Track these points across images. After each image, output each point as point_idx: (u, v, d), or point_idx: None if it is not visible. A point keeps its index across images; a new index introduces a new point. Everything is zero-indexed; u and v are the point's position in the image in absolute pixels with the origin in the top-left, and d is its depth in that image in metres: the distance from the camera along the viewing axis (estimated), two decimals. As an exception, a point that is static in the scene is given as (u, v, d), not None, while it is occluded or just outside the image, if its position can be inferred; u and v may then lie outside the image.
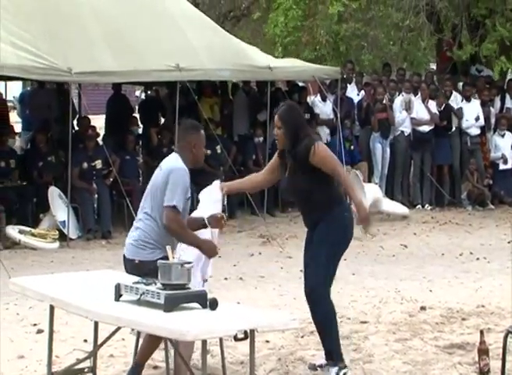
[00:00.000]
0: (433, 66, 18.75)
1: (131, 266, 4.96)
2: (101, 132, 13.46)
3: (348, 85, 14.10)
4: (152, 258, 4.82)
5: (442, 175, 13.74)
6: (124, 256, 5.07)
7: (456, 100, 13.84)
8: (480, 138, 13.96)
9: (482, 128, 13.90)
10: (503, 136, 13.92)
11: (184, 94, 12.19)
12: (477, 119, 13.68)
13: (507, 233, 11.44)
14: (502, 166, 13.90)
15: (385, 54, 17.18)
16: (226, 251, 10.02)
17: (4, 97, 14.72)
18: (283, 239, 10.74)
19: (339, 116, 13.02)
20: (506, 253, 9.98)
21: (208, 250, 5.09)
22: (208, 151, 12.47)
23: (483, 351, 5.43)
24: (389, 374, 5.40)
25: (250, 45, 13.66)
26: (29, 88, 16.76)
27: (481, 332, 5.57)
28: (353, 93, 14.14)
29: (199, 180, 12.93)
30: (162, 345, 5.37)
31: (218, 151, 12.31)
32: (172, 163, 5.06)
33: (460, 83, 14.47)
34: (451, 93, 13.87)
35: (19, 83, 20.30)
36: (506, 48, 14.54)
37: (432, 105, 13.63)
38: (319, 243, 5.36)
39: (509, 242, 10.81)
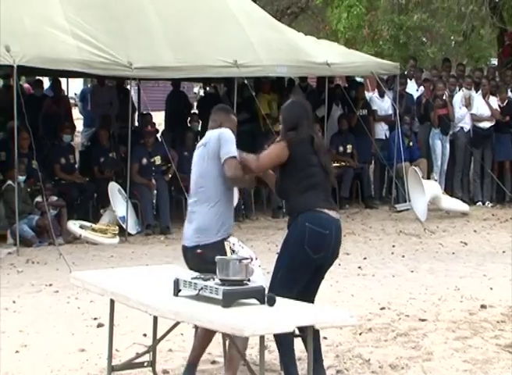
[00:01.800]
0: (494, 62, 18.48)
1: (192, 256, 4.98)
2: (160, 128, 13.58)
3: (408, 81, 13.98)
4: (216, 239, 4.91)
5: (503, 171, 13.54)
6: (185, 247, 5.06)
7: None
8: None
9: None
10: None
11: (242, 91, 12.22)
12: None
13: None
14: None
15: (447, 46, 17.00)
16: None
17: (66, 94, 14.94)
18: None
19: (398, 112, 12.92)
20: None
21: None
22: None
23: (545, 351, 5.35)
24: (448, 372, 5.34)
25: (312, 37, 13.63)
26: (89, 86, 16.98)
27: (543, 331, 5.49)
28: (413, 89, 14.02)
29: (257, 176, 12.99)
30: (220, 340, 5.41)
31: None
32: (215, 131, 5.12)
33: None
34: (516, 88, 13.66)
35: (80, 81, 20.57)
36: None
37: (493, 100, 13.43)
38: (279, 255, 5.02)
39: None
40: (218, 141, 5.04)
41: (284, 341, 4.83)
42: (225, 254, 4.90)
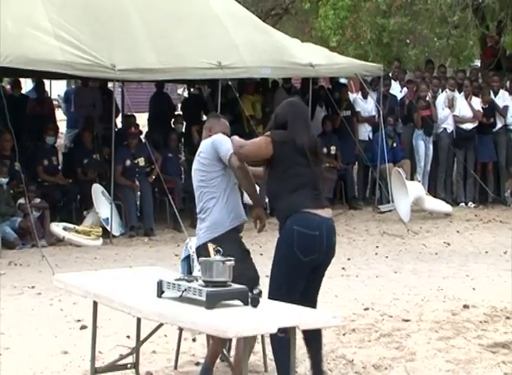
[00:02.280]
0: (477, 63, 18.57)
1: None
2: (144, 130, 13.56)
3: (393, 82, 14.03)
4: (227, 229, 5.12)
5: (486, 172, 13.61)
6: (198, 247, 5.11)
7: (503, 97, 13.69)
8: (526, 135, 13.82)
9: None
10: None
11: (226, 92, 12.22)
12: (522, 115, 13.54)
13: (552, 232, 11.32)
14: None
15: (430, 49, 17.07)
16: (268, 249, 10.02)
17: (49, 95, 14.89)
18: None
19: (381, 113, 12.96)
20: (552, 251, 9.86)
21: (256, 201, 5.24)
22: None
23: (527, 351, 5.39)
24: (431, 373, 5.37)
25: (297, 39, 13.65)
26: (73, 87, 16.94)
27: (526, 331, 5.52)
28: (397, 90, 14.07)
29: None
30: (204, 342, 5.41)
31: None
32: (208, 140, 5.24)
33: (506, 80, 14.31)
34: (499, 89, 13.72)
35: (64, 82, 20.52)
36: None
37: (476, 102, 13.49)
38: (273, 261, 4.99)
39: (554, 240, 10.69)
40: (213, 148, 5.15)
41: (279, 346, 4.72)
42: (235, 244, 5.08)
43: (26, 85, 15.96)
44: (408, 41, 18.22)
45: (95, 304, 4.62)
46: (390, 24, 15.33)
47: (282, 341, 4.26)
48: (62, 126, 14.86)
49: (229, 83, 12.01)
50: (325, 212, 4.90)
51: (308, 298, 4.78)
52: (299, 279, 4.83)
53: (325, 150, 13.24)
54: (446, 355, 5.75)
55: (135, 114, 12.35)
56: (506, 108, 13.54)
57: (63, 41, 10.27)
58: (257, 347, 5.54)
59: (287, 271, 4.84)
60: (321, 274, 5.01)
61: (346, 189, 13.28)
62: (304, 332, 4.62)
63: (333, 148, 13.25)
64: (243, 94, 13.12)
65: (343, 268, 8.67)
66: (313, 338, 4.90)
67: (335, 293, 7.56)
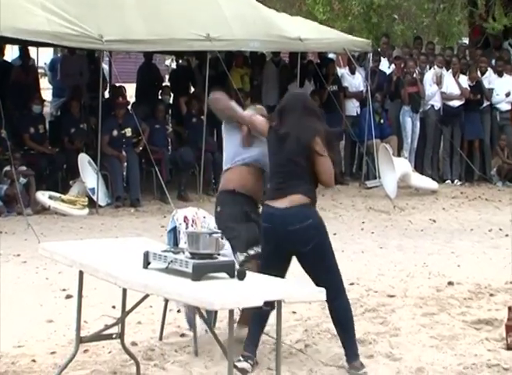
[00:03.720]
0: (465, 40, 18.54)
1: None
2: (131, 100, 13.49)
3: (382, 58, 14.00)
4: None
5: (472, 150, 13.64)
6: None
7: (489, 77, 13.69)
8: (511, 114, 13.84)
9: (514, 103, 13.77)
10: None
11: (214, 64, 12.16)
12: (508, 94, 13.56)
13: (537, 210, 11.37)
14: None
15: (417, 25, 17.01)
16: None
17: (36, 63, 14.76)
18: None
19: (369, 89, 12.94)
20: (536, 230, 9.91)
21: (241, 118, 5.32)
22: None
23: (511, 328, 5.41)
24: (415, 348, 5.39)
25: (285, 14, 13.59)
26: (59, 55, 16.79)
27: (510, 308, 5.54)
28: (385, 66, 14.04)
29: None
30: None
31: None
32: None
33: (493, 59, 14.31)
34: (486, 69, 13.71)
35: (50, 50, 20.33)
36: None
37: (463, 79, 13.49)
38: None
39: (538, 219, 10.74)
40: None
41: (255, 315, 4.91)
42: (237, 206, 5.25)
43: (13, 53, 15.80)
44: (396, 16, 18.14)
45: (81, 273, 4.60)
46: (377, 0, 15.27)
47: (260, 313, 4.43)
48: (47, 94, 14.76)
49: (218, 55, 11.94)
50: (280, 203, 4.86)
51: (313, 281, 4.83)
52: (273, 262, 4.92)
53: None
54: (430, 330, 5.78)
55: (123, 84, 12.26)
56: (491, 90, 13.56)
57: (50, 12, 10.20)
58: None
59: (265, 257, 5.00)
60: (303, 261, 4.94)
61: (332, 163, 13.23)
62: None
63: (320, 123, 13.19)
64: (231, 66, 13.06)
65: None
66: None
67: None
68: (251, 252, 5.14)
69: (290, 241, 4.85)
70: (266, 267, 4.84)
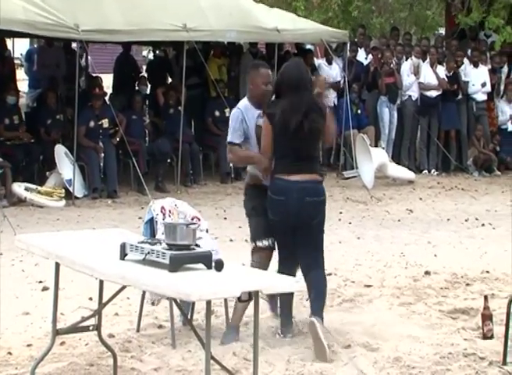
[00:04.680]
0: (442, 31, 18.60)
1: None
2: (108, 91, 13.42)
3: (359, 49, 14.01)
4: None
5: (448, 140, 13.70)
6: None
7: (465, 70, 13.73)
8: (487, 104, 13.92)
9: (490, 94, 13.84)
10: (510, 101, 13.85)
11: (191, 55, 12.13)
12: (483, 85, 13.63)
13: (513, 200, 11.45)
14: (510, 128, 13.84)
15: (395, 18, 17.06)
16: (232, 213, 10.04)
17: (12, 54, 14.65)
18: (289, 202, 10.72)
19: (346, 79, 12.95)
20: (512, 219, 9.98)
21: (259, 162, 5.34)
22: (217, 113, 12.44)
23: (487, 317, 5.45)
24: (392, 338, 5.41)
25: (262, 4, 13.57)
26: (35, 46, 16.68)
27: (485, 297, 5.58)
28: (361, 57, 14.05)
29: (206, 141, 13.03)
30: (167, 305, 5.41)
31: (227, 114, 12.25)
32: (234, 108, 5.56)
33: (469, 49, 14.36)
34: (462, 63, 13.75)
35: (27, 41, 20.19)
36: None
37: (441, 70, 13.54)
38: None
39: (514, 208, 10.81)
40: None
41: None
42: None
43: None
44: (373, 8, 18.16)
45: (57, 265, 4.58)
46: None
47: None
48: (24, 85, 14.66)
49: (195, 46, 11.90)
50: (299, 177, 5.19)
51: (300, 256, 5.29)
52: (281, 237, 5.32)
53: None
54: (406, 320, 5.81)
55: (99, 75, 12.19)
56: (466, 83, 13.61)
57: (26, 0, 10.10)
58: (221, 310, 5.56)
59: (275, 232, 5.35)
60: (303, 234, 5.24)
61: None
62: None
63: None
64: (209, 57, 13.02)
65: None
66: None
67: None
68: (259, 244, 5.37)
69: (303, 213, 5.17)
70: (277, 238, 5.32)
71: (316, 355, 5.00)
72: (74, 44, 13.48)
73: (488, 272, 7.15)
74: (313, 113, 5.19)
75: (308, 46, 14.89)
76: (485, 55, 14.02)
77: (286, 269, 5.19)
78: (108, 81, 14.28)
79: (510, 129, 13.84)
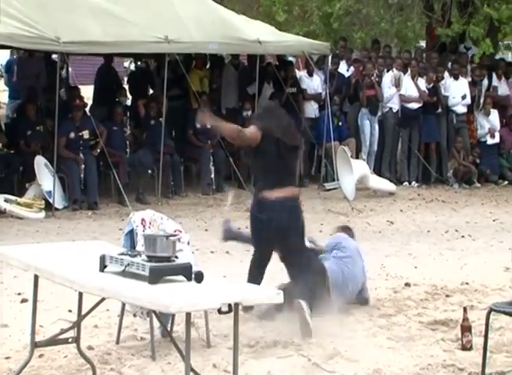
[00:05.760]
0: (423, 44, 18.70)
1: None
2: (89, 102, 13.39)
3: (340, 61, 14.07)
4: None
5: (429, 152, 13.77)
6: None
7: (445, 84, 13.81)
8: (467, 116, 14.01)
9: (470, 106, 13.93)
10: (488, 114, 13.94)
11: (173, 66, 12.13)
12: (463, 97, 13.72)
13: (492, 212, 11.51)
14: (489, 141, 13.95)
15: (376, 31, 17.12)
16: (213, 225, 10.02)
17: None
18: (270, 213, 10.72)
19: (327, 91, 13.00)
20: (491, 231, 10.03)
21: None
22: (198, 125, 12.43)
23: (466, 328, 5.47)
24: (372, 349, 5.42)
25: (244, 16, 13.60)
26: (15, 56, 16.62)
27: (465, 309, 5.61)
28: (343, 69, 14.11)
29: (187, 153, 13.02)
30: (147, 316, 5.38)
31: (209, 126, 12.23)
32: None
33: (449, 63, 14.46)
34: (442, 78, 13.83)
35: (7, 52, 20.10)
36: (495, 28, 14.52)
37: (421, 82, 13.62)
38: None
39: (494, 220, 10.87)
40: None
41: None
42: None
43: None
44: (355, 20, 18.24)
45: (36, 277, 4.56)
46: (336, 8, 15.37)
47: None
48: (3, 96, 14.60)
49: (177, 58, 11.92)
50: (275, 194, 5.77)
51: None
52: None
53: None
54: (386, 332, 5.82)
55: (80, 86, 12.17)
56: (446, 97, 13.70)
57: (6, 15, 10.13)
58: (201, 322, 5.55)
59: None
60: (279, 250, 5.97)
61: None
62: None
63: (280, 126, 13.22)
64: (191, 68, 13.03)
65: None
66: None
67: (278, 269, 7.57)
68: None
69: (270, 231, 5.92)
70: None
71: (302, 333, 5.48)
72: (55, 55, 13.48)
73: (467, 283, 7.18)
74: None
75: (290, 58, 14.95)
76: (466, 68, 14.11)
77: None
78: (89, 92, 14.26)
79: (488, 142, 13.93)
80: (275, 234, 5.74)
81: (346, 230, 6.75)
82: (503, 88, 14.54)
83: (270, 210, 5.68)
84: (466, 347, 5.43)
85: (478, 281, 7.26)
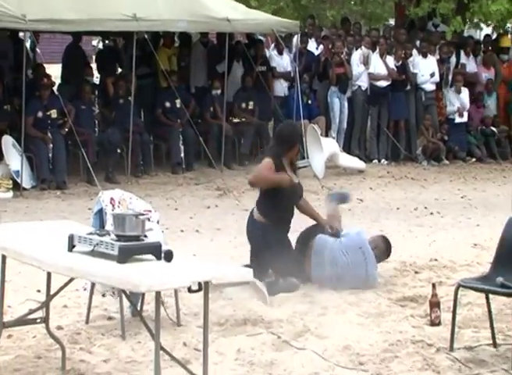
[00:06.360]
0: (392, 22, 18.73)
1: None
2: (57, 81, 13.27)
3: (309, 39, 14.05)
4: None
5: (398, 130, 13.82)
6: None
7: (413, 61, 13.84)
8: (436, 94, 14.07)
9: (438, 84, 13.99)
10: (459, 91, 14.00)
11: (141, 45, 12.03)
12: (432, 75, 13.76)
13: (461, 189, 11.61)
14: (458, 119, 14.02)
15: (346, 10, 17.15)
16: (183, 203, 10.02)
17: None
18: (240, 192, 10.74)
19: (297, 69, 12.98)
20: (459, 208, 10.12)
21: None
22: (167, 104, 12.38)
23: (434, 304, 5.52)
24: (342, 326, 5.45)
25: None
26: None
27: (433, 285, 5.65)
28: (313, 47, 14.09)
29: (157, 132, 12.96)
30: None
31: (178, 105, 12.22)
32: None
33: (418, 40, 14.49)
34: (411, 54, 13.85)
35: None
36: (464, 5, 14.57)
37: (390, 60, 13.64)
38: None
39: (462, 197, 10.96)
40: None
41: None
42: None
43: None
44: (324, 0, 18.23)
45: (3, 257, 4.52)
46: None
47: None
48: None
49: (146, 36, 11.82)
50: None
51: None
52: None
53: (243, 105, 13.24)
54: (356, 308, 5.85)
55: (48, 65, 12.04)
56: (415, 74, 13.73)
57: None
58: (171, 301, 5.55)
59: None
60: None
61: (261, 145, 13.31)
62: None
63: (251, 104, 13.23)
64: (159, 47, 12.94)
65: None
66: None
67: (249, 248, 7.58)
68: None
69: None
70: None
71: (260, 300, 5.80)
72: (21, 33, 13.32)
73: (436, 260, 7.24)
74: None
75: (259, 36, 14.89)
76: (434, 46, 14.15)
77: None
78: (57, 71, 14.12)
79: (457, 120, 14.00)
80: None
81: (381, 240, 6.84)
82: (471, 66, 14.61)
83: None
84: (434, 322, 5.48)
85: (446, 257, 7.32)
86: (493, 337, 5.12)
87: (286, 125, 6.98)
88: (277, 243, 6.39)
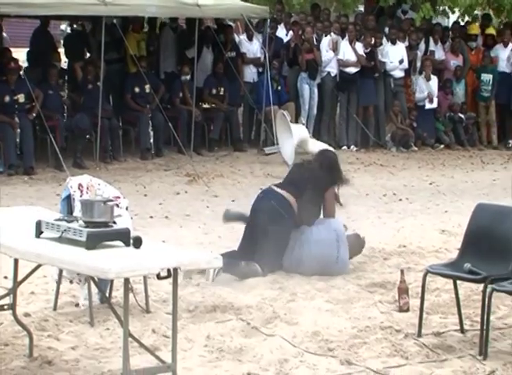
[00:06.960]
0: (361, 8, 18.73)
1: None
2: (24, 65, 13.12)
3: (278, 25, 14.03)
4: None
5: (367, 116, 13.86)
6: None
7: (383, 50, 13.85)
8: (404, 80, 14.12)
9: (407, 70, 14.04)
10: (428, 78, 14.06)
11: (110, 30, 11.94)
12: (401, 61, 13.81)
13: (429, 175, 11.68)
14: (427, 106, 14.08)
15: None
16: (152, 190, 9.99)
17: None
18: (209, 178, 10.72)
19: (266, 55, 12.96)
20: (428, 194, 10.19)
21: None
22: (136, 89, 12.30)
23: (403, 290, 5.55)
24: (311, 312, 5.46)
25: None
26: None
27: (402, 271, 5.68)
28: (282, 33, 14.07)
29: (126, 117, 12.89)
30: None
31: (147, 90, 12.15)
32: None
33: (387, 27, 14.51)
34: (381, 44, 13.87)
35: None
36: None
37: (359, 46, 13.66)
38: None
39: (430, 183, 11.03)
40: None
41: None
42: None
43: None
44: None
45: (-30, 244, 4.47)
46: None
47: None
48: None
49: (114, 21, 11.72)
50: None
51: None
52: None
53: (214, 91, 13.20)
54: (325, 294, 5.87)
55: (16, 49, 11.91)
56: (383, 64, 13.76)
57: None
58: (140, 288, 5.52)
59: None
60: None
61: (231, 131, 13.29)
62: None
63: (222, 90, 13.19)
64: (128, 32, 12.84)
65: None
66: None
67: (218, 234, 7.59)
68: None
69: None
70: None
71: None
72: (-12, 17, 13.16)
73: (404, 246, 7.29)
74: None
75: (229, 22, 14.83)
76: (404, 33, 14.19)
77: None
78: (24, 55, 13.96)
79: (427, 107, 14.06)
80: None
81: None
82: (439, 53, 14.67)
83: None
84: (403, 308, 5.51)
85: (414, 244, 7.37)
86: (461, 323, 5.16)
87: (330, 153, 7.26)
88: (283, 233, 6.37)
